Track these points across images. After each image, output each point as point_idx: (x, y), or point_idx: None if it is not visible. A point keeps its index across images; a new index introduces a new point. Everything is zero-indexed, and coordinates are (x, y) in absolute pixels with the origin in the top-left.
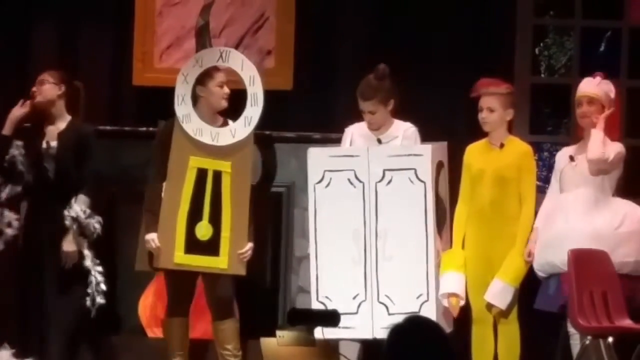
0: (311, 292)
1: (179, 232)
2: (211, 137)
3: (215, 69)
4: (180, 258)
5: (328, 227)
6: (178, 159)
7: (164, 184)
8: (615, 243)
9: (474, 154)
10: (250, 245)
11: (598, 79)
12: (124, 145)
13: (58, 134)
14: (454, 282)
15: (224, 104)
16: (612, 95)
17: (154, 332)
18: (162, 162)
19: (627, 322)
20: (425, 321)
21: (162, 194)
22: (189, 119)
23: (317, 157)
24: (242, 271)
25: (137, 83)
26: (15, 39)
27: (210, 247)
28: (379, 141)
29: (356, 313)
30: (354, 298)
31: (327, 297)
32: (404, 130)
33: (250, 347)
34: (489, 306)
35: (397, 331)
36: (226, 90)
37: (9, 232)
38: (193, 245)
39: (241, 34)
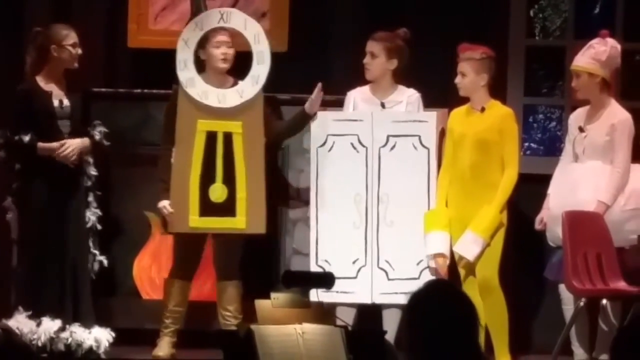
0: (310, 256)
1: (192, 196)
2: (217, 99)
3: (214, 30)
4: (196, 221)
5: (329, 191)
6: (185, 123)
7: (174, 149)
8: (621, 221)
9: (456, 118)
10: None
11: (584, 48)
12: (118, 107)
13: (66, 93)
14: (439, 242)
15: (222, 64)
16: (604, 57)
17: (149, 294)
18: (171, 128)
19: (622, 284)
20: (447, 286)
21: (172, 160)
22: (192, 83)
23: (321, 121)
24: (261, 229)
25: (131, 45)
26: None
27: (227, 209)
28: (383, 105)
29: (355, 278)
30: (354, 263)
31: (326, 261)
32: (407, 96)
33: (245, 309)
34: (459, 259)
35: (417, 296)
36: (223, 50)
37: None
38: (208, 208)
39: None
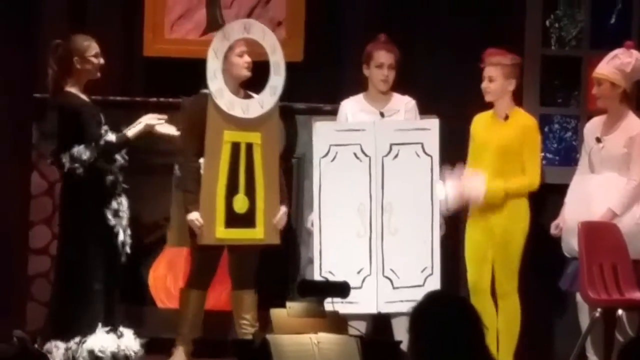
0: (314, 267)
1: (219, 207)
2: (242, 110)
3: (236, 40)
4: (222, 233)
5: (333, 201)
6: (214, 134)
7: (201, 161)
8: (635, 233)
9: (479, 124)
10: (283, 210)
11: (609, 56)
12: (134, 116)
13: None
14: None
15: (246, 72)
16: (629, 68)
17: (164, 302)
18: (195, 139)
19: (637, 295)
20: (448, 295)
21: (202, 171)
22: (221, 94)
23: (323, 131)
24: (276, 240)
25: (147, 54)
26: (24, 8)
27: (248, 219)
28: (382, 114)
29: (360, 288)
30: (358, 272)
31: (330, 272)
32: (405, 104)
33: (260, 318)
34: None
35: (419, 308)
36: (247, 59)
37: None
38: (232, 219)
39: (252, 4)
